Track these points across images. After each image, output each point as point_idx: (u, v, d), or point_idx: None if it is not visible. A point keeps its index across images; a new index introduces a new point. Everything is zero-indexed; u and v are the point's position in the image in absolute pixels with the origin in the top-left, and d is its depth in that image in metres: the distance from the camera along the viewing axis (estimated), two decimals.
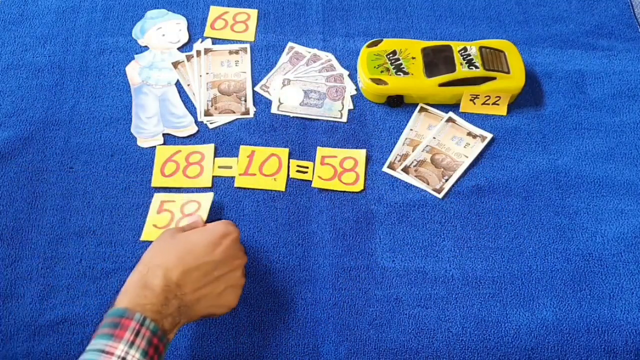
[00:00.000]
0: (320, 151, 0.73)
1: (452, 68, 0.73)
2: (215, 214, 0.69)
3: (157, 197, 0.69)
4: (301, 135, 0.75)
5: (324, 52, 0.81)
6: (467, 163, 0.72)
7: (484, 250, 0.67)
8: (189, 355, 0.61)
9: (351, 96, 0.78)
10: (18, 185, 0.70)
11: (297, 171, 0.72)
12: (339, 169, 0.72)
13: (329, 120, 0.76)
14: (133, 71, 0.79)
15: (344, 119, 0.76)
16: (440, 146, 0.74)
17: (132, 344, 0.46)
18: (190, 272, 0.52)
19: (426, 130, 0.75)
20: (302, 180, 0.71)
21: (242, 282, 0.57)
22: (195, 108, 0.76)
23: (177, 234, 0.56)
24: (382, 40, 0.78)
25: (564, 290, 0.65)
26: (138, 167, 0.72)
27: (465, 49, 0.75)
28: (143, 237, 0.67)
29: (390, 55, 0.76)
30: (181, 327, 0.53)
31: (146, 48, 0.81)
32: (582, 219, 0.70)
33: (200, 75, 0.78)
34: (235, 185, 0.71)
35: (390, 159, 0.73)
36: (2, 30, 0.82)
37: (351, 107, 0.77)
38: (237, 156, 0.73)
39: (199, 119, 0.75)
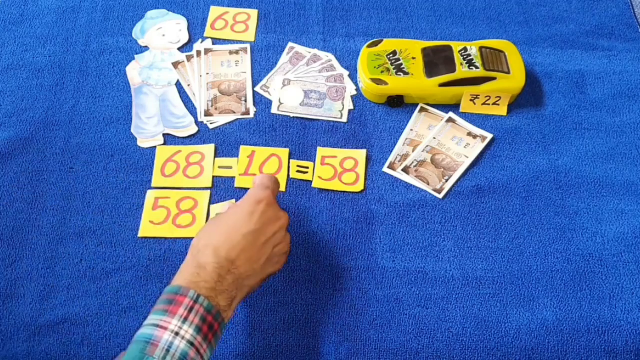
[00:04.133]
0: (320, 151, 0.73)
1: (452, 68, 0.73)
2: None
3: (151, 194, 0.69)
4: (301, 135, 0.75)
5: (324, 52, 0.81)
6: (467, 163, 0.72)
7: (484, 250, 0.67)
8: None
9: (351, 96, 0.78)
10: (18, 185, 0.70)
11: (297, 171, 0.72)
12: (339, 169, 0.72)
13: (329, 120, 0.76)
14: (133, 71, 0.79)
15: (344, 119, 0.76)
16: (440, 146, 0.74)
17: (185, 319, 0.48)
18: (237, 245, 0.54)
19: (426, 130, 0.75)
20: (302, 180, 0.71)
21: (287, 239, 0.59)
22: (195, 108, 0.76)
23: (218, 217, 0.58)
24: (382, 40, 0.78)
25: (564, 290, 0.65)
26: (138, 167, 0.72)
27: (465, 49, 0.75)
28: (141, 234, 0.67)
29: (390, 55, 0.76)
30: (241, 300, 0.54)
31: (146, 48, 0.81)
32: (582, 219, 0.70)
33: (200, 75, 0.78)
34: (235, 185, 0.71)
35: (390, 159, 0.73)
36: (2, 30, 0.82)
37: (351, 107, 0.77)
38: (237, 156, 0.73)
39: (199, 119, 0.75)
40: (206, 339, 0.49)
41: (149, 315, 0.50)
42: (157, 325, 0.48)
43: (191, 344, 0.47)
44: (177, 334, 0.47)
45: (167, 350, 0.46)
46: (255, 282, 0.56)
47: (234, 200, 0.69)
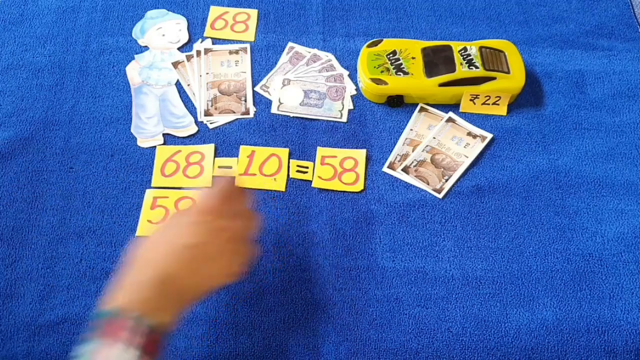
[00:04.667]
0: (320, 151, 0.73)
1: (452, 68, 0.73)
2: None
3: (150, 193, 0.69)
4: (301, 135, 0.75)
5: (324, 52, 0.81)
6: (467, 163, 0.72)
7: (484, 250, 0.67)
8: (188, 356, 0.61)
9: (351, 96, 0.78)
10: (18, 185, 0.70)
11: (297, 171, 0.72)
12: (339, 169, 0.72)
13: (329, 120, 0.76)
14: (133, 71, 0.79)
15: (344, 119, 0.76)
16: (440, 146, 0.74)
17: (126, 340, 0.46)
18: (176, 259, 0.51)
19: (426, 130, 0.75)
20: (302, 180, 0.71)
21: (234, 246, 0.54)
22: (195, 108, 0.76)
23: (160, 228, 0.55)
24: (382, 40, 0.78)
25: (564, 290, 0.65)
26: (138, 167, 0.72)
27: (465, 49, 0.75)
28: (138, 233, 0.67)
29: (390, 55, 0.76)
30: (187, 308, 0.52)
31: (146, 48, 0.81)
32: (582, 219, 0.70)
33: (200, 75, 0.78)
34: (235, 185, 0.71)
35: (390, 159, 0.73)
36: (2, 30, 0.82)
37: (351, 107, 0.77)
38: (237, 156, 0.73)
39: (199, 119, 0.75)
40: (146, 351, 0.46)
41: (87, 339, 0.47)
42: (97, 349, 0.46)
43: None
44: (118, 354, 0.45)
45: None
46: (198, 294, 0.52)
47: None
